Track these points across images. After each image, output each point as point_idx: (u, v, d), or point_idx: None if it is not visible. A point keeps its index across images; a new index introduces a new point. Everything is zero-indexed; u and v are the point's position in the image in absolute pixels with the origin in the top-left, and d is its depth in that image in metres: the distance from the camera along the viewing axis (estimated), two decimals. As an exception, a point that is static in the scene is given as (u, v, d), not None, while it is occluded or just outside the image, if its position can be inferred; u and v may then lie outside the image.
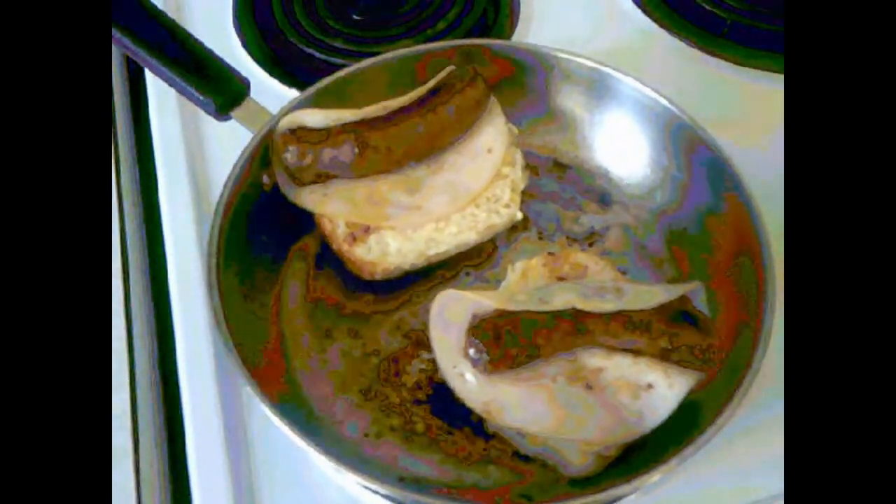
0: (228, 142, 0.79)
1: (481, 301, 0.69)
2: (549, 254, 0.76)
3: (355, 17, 1.04)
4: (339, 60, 0.97)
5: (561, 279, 0.74)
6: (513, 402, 0.67)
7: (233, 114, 0.79)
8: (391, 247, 0.77)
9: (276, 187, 0.78)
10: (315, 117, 0.78)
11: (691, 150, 0.80)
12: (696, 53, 1.01)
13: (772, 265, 0.69)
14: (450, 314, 0.70)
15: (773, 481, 0.67)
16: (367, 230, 0.77)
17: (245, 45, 1.01)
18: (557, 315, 0.67)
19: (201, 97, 0.79)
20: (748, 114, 0.93)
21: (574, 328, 0.67)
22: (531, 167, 0.86)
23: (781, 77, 0.97)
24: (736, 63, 0.99)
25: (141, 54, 0.79)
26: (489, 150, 0.81)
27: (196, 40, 0.81)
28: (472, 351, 0.67)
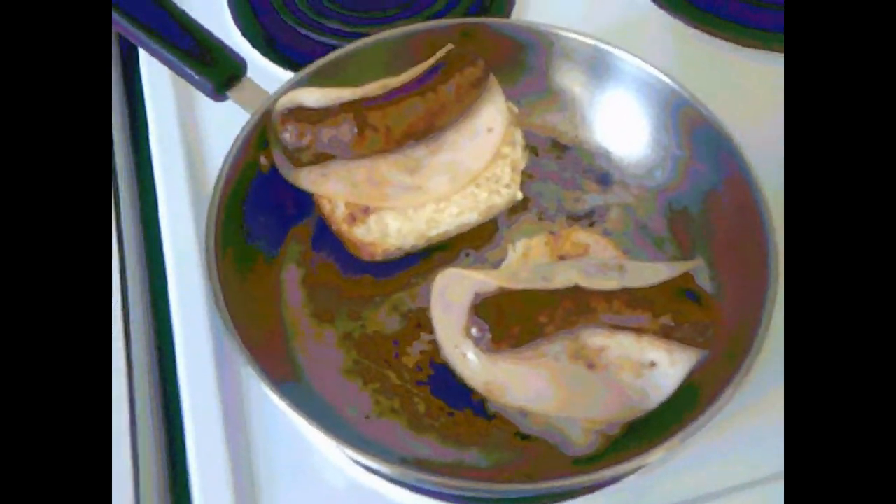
0: (225, 122, 0.78)
1: (483, 280, 0.68)
2: (551, 233, 0.75)
3: (352, -3, 1.03)
4: (335, 42, 0.96)
5: (562, 258, 0.73)
6: (515, 381, 0.67)
7: (229, 94, 0.78)
8: (391, 227, 0.76)
9: (273, 168, 0.78)
10: (313, 96, 0.77)
11: (692, 128, 0.80)
12: (694, 32, 1.00)
13: (774, 241, 0.69)
14: (451, 294, 0.69)
15: (774, 460, 0.66)
16: (366, 211, 0.76)
17: (240, 27, 1.00)
18: (560, 293, 0.67)
19: (197, 77, 0.78)
20: (746, 92, 0.92)
21: (577, 306, 0.66)
22: (531, 147, 0.85)
23: (779, 56, 0.96)
24: (734, 42, 0.99)
25: (135, 33, 0.78)
26: (489, 130, 0.80)
27: (192, 19, 0.80)
28: (474, 330, 0.66)
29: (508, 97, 0.82)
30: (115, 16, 0.78)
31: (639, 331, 0.68)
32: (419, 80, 0.79)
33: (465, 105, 0.80)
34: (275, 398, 0.62)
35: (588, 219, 0.83)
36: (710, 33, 1.00)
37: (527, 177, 0.83)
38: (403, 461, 0.67)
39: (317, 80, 0.81)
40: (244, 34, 0.99)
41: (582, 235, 0.75)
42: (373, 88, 0.79)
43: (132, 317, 0.79)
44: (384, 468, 0.62)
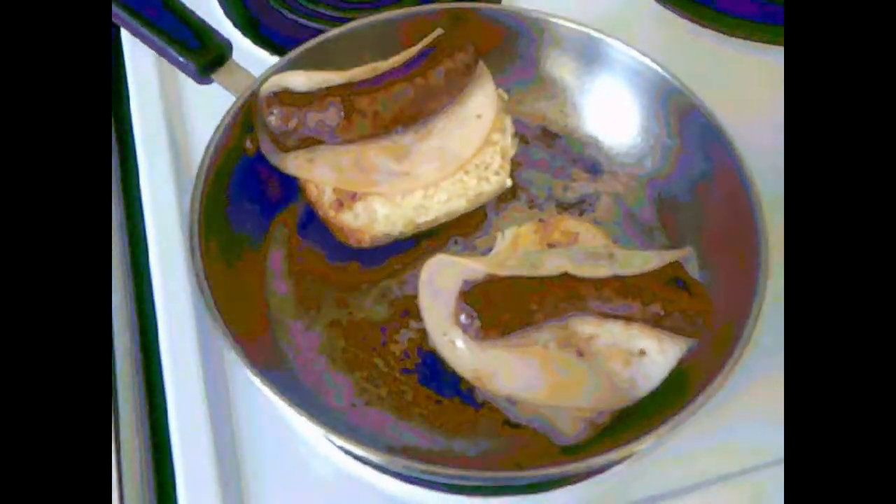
0: (210, 106, 0.77)
1: (472, 266, 0.68)
2: (540, 221, 0.75)
3: (339, -19, 1.02)
4: (322, 26, 0.95)
5: (551, 246, 0.73)
6: (504, 368, 0.66)
7: (214, 76, 0.77)
8: (379, 214, 0.75)
9: (259, 152, 0.76)
10: (300, 80, 0.76)
11: (682, 116, 0.79)
12: (685, 24, 1.00)
13: (764, 231, 0.69)
14: (440, 281, 0.69)
15: (768, 447, 0.66)
16: (354, 197, 0.75)
17: (225, 9, 0.98)
18: (549, 280, 0.66)
19: (182, 59, 0.76)
20: (737, 83, 0.92)
21: (566, 293, 0.66)
22: (520, 135, 0.84)
23: (772, 48, 0.96)
24: (726, 33, 0.98)
25: (118, 14, 0.77)
26: (478, 116, 0.79)
27: (176, 0, 0.78)
28: (463, 317, 0.65)
29: (498, 84, 0.82)
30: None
31: (628, 319, 0.67)
32: (408, 65, 0.78)
33: (454, 91, 0.79)
34: (260, 385, 0.61)
35: (577, 207, 0.82)
36: (701, 24, 0.99)
37: (516, 164, 0.82)
38: (391, 449, 0.66)
39: (303, 63, 0.80)
40: (229, 16, 0.97)
41: (571, 223, 0.75)
42: (361, 73, 0.78)
43: (115, 302, 0.78)
44: (371, 456, 0.61)
